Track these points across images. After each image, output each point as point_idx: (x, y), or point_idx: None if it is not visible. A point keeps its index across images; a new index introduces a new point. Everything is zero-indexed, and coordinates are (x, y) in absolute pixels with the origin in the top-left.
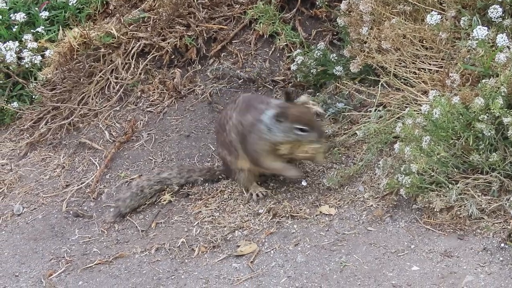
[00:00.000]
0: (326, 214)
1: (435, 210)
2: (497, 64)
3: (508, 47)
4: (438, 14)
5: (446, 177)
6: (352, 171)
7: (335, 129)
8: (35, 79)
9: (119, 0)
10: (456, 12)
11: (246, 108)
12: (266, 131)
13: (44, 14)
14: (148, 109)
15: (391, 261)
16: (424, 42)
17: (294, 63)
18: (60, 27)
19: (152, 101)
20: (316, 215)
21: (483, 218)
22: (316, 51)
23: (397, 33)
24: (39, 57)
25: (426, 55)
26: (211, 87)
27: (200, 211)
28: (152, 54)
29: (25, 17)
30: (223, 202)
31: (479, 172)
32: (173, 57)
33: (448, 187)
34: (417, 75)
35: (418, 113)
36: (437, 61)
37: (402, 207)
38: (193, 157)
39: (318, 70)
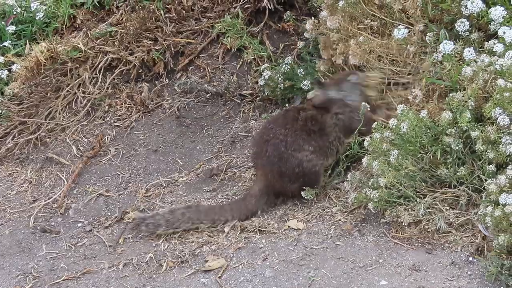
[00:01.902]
0: (294, 229)
1: (403, 224)
2: (464, 77)
3: (475, 60)
4: (405, 28)
5: (414, 191)
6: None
7: None
8: (2, 93)
9: (86, 14)
10: (423, 26)
11: (323, 107)
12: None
13: (11, 28)
14: (116, 124)
15: (359, 276)
16: (390, 56)
17: (262, 78)
18: (27, 42)
19: (119, 115)
20: (284, 230)
21: (451, 232)
22: (284, 66)
23: (364, 49)
24: (6, 72)
25: (393, 70)
26: (179, 101)
27: None
28: (119, 68)
29: None
30: None
31: (447, 186)
32: (140, 71)
33: (416, 201)
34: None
35: (385, 127)
36: (404, 76)
37: (370, 221)
38: (161, 171)
39: (286, 85)
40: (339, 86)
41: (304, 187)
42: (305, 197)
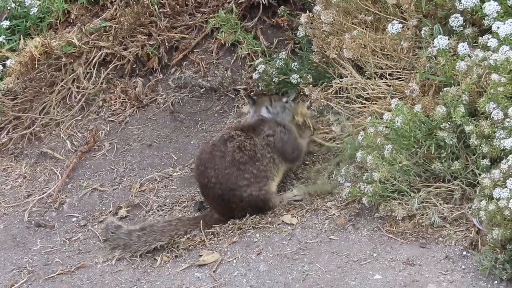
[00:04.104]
0: (288, 224)
1: (397, 218)
2: (458, 72)
3: (469, 55)
4: (399, 23)
5: (408, 186)
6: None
7: None
8: None
9: (80, 9)
10: (417, 21)
11: (254, 128)
12: (287, 120)
13: (5, 23)
14: (110, 119)
15: (353, 270)
16: (385, 51)
17: (256, 72)
18: (21, 37)
19: (113, 110)
20: (278, 224)
21: (445, 226)
22: (278, 61)
23: (358, 43)
24: (0, 67)
25: (387, 64)
26: (173, 96)
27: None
28: (113, 64)
29: None
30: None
31: (441, 180)
32: (134, 66)
33: (410, 195)
34: (379, 87)
35: (379, 122)
36: (399, 71)
37: (364, 215)
38: (155, 166)
39: (280, 79)
40: (272, 104)
41: (257, 211)
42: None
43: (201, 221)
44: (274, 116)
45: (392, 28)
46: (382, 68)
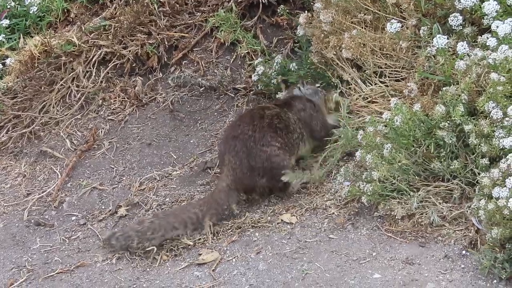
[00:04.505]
0: (288, 222)
1: (396, 217)
2: (458, 71)
3: (468, 54)
4: (398, 22)
5: (408, 185)
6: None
7: None
8: None
9: (80, 8)
10: (416, 21)
11: (286, 103)
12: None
13: (5, 22)
14: (110, 118)
15: (352, 269)
16: (384, 50)
17: (255, 73)
18: (21, 35)
19: (113, 109)
20: (278, 223)
21: (445, 226)
22: (275, 64)
23: (357, 42)
24: (0, 66)
25: (386, 64)
26: (173, 95)
27: None
28: (113, 62)
29: None
30: None
31: (440, 179)
32: (134, 65)
33: (409, 194)
34: (378, 86)
35: (379, 121)
36: (398, 70)
37: (363, 214)
38: (154, 165)
39: (279, 80)
40: (305, 86)
41: (271, 183)
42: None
43: (211, 199)
44: (305, 94)
45: (391, 27)
46: (381, 67)
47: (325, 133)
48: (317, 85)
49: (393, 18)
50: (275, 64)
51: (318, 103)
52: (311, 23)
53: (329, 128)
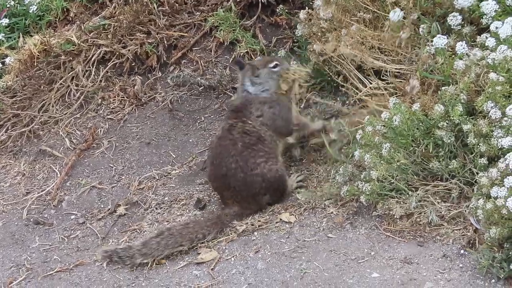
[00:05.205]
0: (286, 222)
1: (395, 217)
2: (456, 71)
3: (467, 54)
4: (401, 11)
5: (406, 184)
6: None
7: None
8: None
9: (79, 7)
10: (416, 18)
11: (243, 111)
12: (268, 93)
13: (4, 21)
14: (109, 117)
15: (351, 268)
16: (383, 46)
17: None
18: (21, 34)
19: (112, 108)
20: (276, 222)
21: (443, 225)
22: None
23: (356, 39)
24: None
25: (385, 61)
26: (172, 94)
27: (159, 219)
28: (112, 62)
29: None
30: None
31: (439, 179)
32: (133, 64)
33: (408, 194)
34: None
35: (377, 120)
36: (397, 67)
37: (362, 214)
38: (153, 164)
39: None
40: (254, 73)
41: (275, 195)
42: (301, 199)
43: (218, 221)
44: (258, 88)
45: (394, 15)
46: (380, 64)
47: (292, 126)
48: (272, 64)
49: (395, 8)
50: None
51: (274, 97)
52: (310, 20)
53: (296, 120)
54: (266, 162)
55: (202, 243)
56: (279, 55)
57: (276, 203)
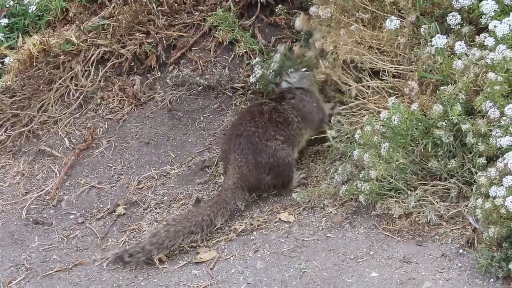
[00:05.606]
0: (285, 221)
1: (394, 216)
2: (455, 71)
3: (466, 54)
4: (397, 19)
5: (405, 184)
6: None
7: None
8: None
9: (78, 7)
10: (415, 18)
11: (279, 96)
12: (307, 85)
13: (4, 21)
14: (108, 116)
15: (350, 268)
16: (382, 46)
17: (253, 75)
18: (20, 34)
19: (111, 108)
20: (276, 222)
21: (442, 225)
22: (273, 63)
23: (354, 39)
24: None
25: (384, 61)
26: (171, 94)
27: (158, 219)
28: (111, 61)
29: None
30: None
31: (438, 178)
32: (132, 64)
33: (406, 193)
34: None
35: (376, 120)
36: (396, 67)
37: (361, 213)
38: (153, 164)
39: (277, 81)
40: (290, 75)
41: (276, 180)
42: (297, 198)
43: (219, 199)
44: (293, 83)
45: (390, 24)
46: (378, 64)
47: (323, 116)
48: (303, 69)
49: (391, 17)
50: (273, 64)
51: (310, 88)
52: (309, 21)
53: (325, 110)
54: (283, 143)
55: (213, 230)
56: (275, 60)
57: (275, 189)
